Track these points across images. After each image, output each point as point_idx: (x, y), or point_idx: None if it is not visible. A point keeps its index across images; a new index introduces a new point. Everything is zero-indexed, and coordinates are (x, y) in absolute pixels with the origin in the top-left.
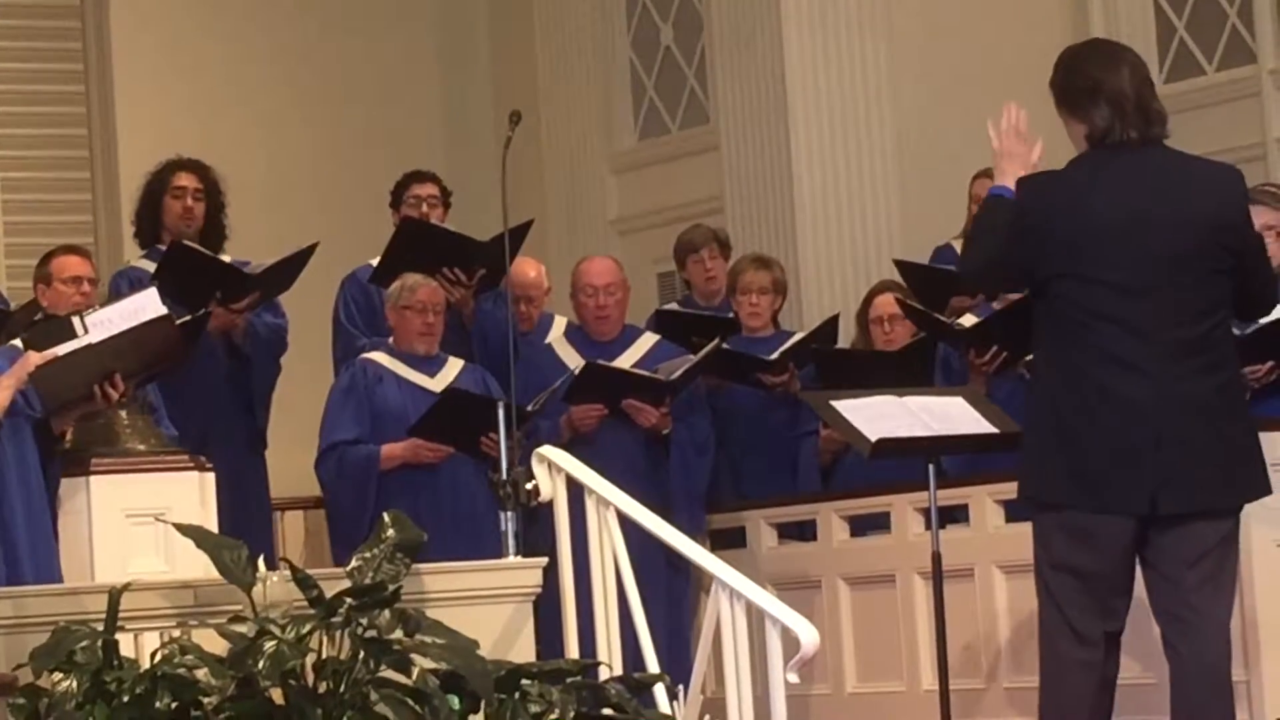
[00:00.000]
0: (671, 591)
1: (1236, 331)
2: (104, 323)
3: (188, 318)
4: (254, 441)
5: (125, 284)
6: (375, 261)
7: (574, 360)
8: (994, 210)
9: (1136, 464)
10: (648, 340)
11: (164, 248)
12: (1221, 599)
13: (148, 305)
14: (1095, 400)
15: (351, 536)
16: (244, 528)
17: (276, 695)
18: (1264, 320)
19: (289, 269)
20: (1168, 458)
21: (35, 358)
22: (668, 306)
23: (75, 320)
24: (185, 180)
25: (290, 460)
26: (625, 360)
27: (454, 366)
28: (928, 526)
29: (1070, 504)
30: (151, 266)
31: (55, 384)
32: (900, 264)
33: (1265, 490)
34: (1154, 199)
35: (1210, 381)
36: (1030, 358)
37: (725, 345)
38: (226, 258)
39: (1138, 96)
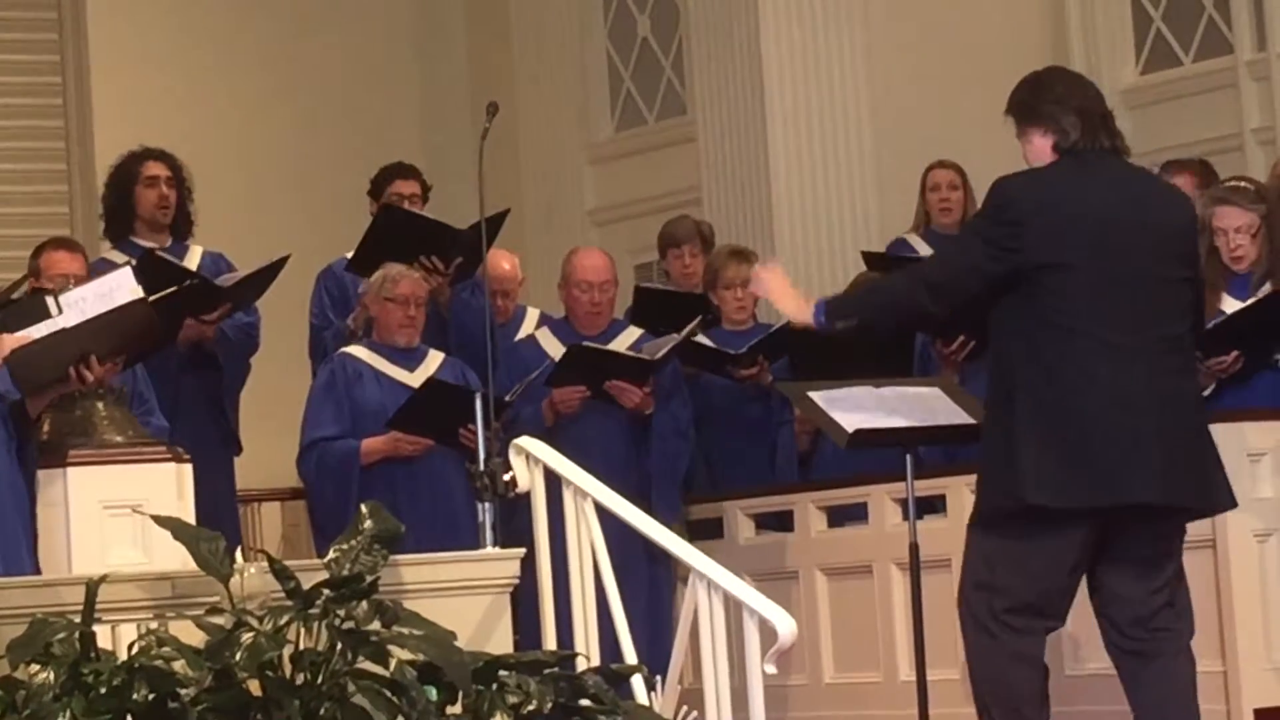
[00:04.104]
0: (651, 582)
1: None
2: (78, 302)
3: (170, 290)
4: (224, 441)
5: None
6: (352, 254)
7: (559, 353)
8: (875, 292)
9: (1134, 453)
10: (631, 334)
11: (138, 240)
12: (1185, 619)
13: (122, 284)
14: (1083, 394)
15: (334, 532)
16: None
17: (254, 687)
18: (1229, 311)
19: (259, 280)
20: (1160, 450)
21: (10, 340)
22: (647, 284)
23: (49, 300)
24: (156, 169)
25: (267, 453)
26: None
27: (434, 359)
28: (905, 517)
29: (1066, 502)
30: (123, 259)
31: (30, 367)
32: (867, 255)
33: (1233, 503)
34: (1132, 201)
35: (1187, 383)
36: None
37: (701, 338)
38: (197, 250)
39: (1102, 114)
